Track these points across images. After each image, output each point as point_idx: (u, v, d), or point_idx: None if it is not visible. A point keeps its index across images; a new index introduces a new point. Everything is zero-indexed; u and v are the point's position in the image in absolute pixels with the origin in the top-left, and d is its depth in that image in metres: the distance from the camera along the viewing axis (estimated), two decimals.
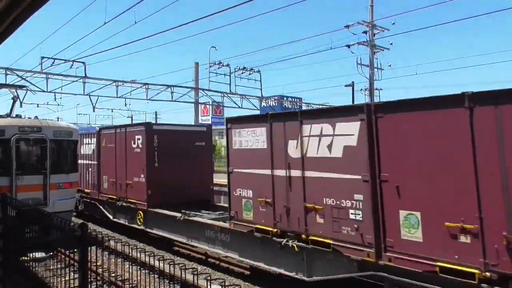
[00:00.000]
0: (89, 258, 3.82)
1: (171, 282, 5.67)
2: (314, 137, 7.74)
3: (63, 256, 4.91)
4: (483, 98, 5.60)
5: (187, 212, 11.31)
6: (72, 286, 4.34)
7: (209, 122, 30.82)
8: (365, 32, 23.95)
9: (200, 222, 10.77)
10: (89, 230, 3.75)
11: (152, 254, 5.01)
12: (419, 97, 6.34)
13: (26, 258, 5.45)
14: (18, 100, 15.02)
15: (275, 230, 8.41)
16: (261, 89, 27.60)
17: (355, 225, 6.99)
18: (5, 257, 5.96)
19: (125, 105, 28.67)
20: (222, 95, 27.07)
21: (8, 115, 13.27)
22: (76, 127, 16.98)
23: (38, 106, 34.75)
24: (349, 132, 7.11)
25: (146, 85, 23.94)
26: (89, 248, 3.83)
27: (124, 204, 13.72)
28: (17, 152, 11.57)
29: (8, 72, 18.67)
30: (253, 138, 8.94)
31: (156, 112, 52.17)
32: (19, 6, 5.03)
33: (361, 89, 28.36)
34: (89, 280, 4.20)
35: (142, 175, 12.72)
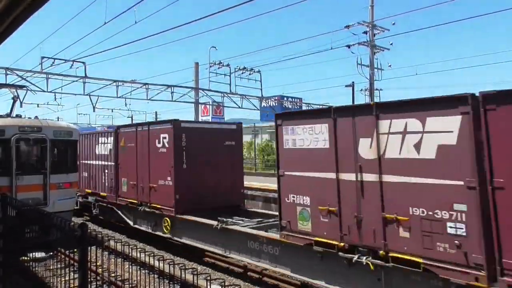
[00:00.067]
0: (89, 258, 3.82)
1: (171, 282, 5.67)
2: (395, 134, 6.51)
3: (63, 256, 4.91)
4: None
5: (224, 220, 10.12)
6: (72, 286, 4.34)
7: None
8: (365, 32, 23.94)
9: (242, 232, 9.48)
10: (89, 230, 3.75)
11: (152, 254, 5.01)
12: None
13: (26, 258, 5.45)
14: (18, 100, 15.03)
15: (341, 244, 7.12)
16: (261, 89, 27.59)
17: (456, 242, 5.78)
18: (5, 257, 5.96)
19: (125, 105, 28.68)
20: (222, 95, 27.06)
21: (8, 115, 13.27)
22: (76, 127, 17.00)
23: (38, 106, 34.82)
24: (446, 128, 5.93)
25: (146, 85, 23.93)
26: (89, 248, 3.83)
27: (147, 209, 12.53)
28: (17, 152, 11.58)
29: (8, 72, 18.66)
30: (311, 136, 7.72)
31: (156, 112, 52.12)
32: (19, 6, 5.03)
33: (361, 89, 28.34)
34: (89, 280, 4.20)
35: (169, 178, 11.52)
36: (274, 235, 8.87)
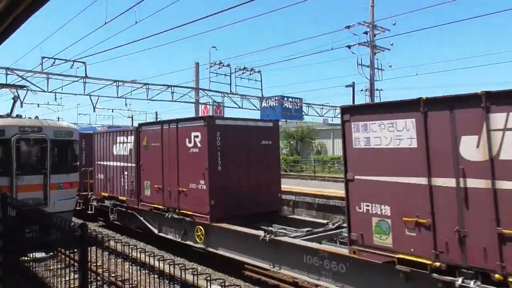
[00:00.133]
0: (89, 258, 3.81)
1: (171, 282, 5.67)
2: None
3: (63, 256, 4.91)
4: None
5: (272, 230, 9.06)
6: (72, 286, 4.34)
7: None
8: (365, 33, 24.00)
9: (297, 245, 8.24)
10: (89, 230, 3.75)
11: (152, 254, 5.00)
12: None
13: (26, 258, 5.46)
14: (18, 100, 15.06)
15: (437, 264, 5.94)
16: (261, 90, 27.65)
17: None
18: (5, 257, 5.95)
19: (126, 105, 28.85)
20: (223, 95, 27.11)
21: (9, 115, 13.29)
22: (77, 127, 16.99)
23: (38, 106, 34.91)
24: None
25: (147, 85, 23.96)
26: (89, 248, 3.83)
27: (175, 216, 11.28)
28: (18, 152, 11.60)
29: (8, 72, 18.68)
30: (391, 134, 6.48)
31: (156, 113, 52.18)
32: (20, 6, 5.03)
33: (362, 90, 28.42)
34: (89, 280, 4.20)
35: (203, 181, 10.33)
36: (340, 249, 7.74)
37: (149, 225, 12.70)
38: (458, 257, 5.79)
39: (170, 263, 5.10)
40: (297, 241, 8.42)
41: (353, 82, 26.73)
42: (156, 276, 5.74)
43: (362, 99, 27.86)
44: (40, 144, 12.03)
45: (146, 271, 6.00)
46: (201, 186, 10.40)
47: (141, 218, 13.01)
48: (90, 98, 22.70)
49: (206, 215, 10.19)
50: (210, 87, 26.31)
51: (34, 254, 5.29)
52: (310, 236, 8.95)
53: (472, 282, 5.56)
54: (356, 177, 6.98)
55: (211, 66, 25.95)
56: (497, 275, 5.40)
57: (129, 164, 13.49)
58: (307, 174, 32.84)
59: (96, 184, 15.60)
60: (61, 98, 29.95)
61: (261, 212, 10.99)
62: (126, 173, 13.68)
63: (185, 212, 10.88)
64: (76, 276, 3.63)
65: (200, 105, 28.62)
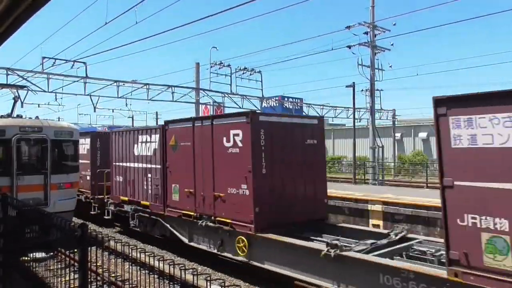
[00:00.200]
0: (89, 258, 3.82)
1: (171, 283, 5.68)
2: None
3: (63, 256, 4.91)
4: None
5: (336, 242, 7.74)
6: (72, 286, 4.34)
7: None
8: (366, 33, 23.99)
9: (370, 262, 6.96)
10: (89, 231, 3.75)
11: (152, 255, 5.01)
12: None
13: (26, 258, 5.46)
14: (19, 100, 15.07)
15: None
16: (261, 90, 27.70)
17: None
18: (5, 257, 5.96)
19: (126, 105, 28.89)
20: (223, 95, 27.13)
21: (9, 115, 13.30)
22: (77, 127, 17.01)
23: (39, 106, 35.03)
24: None
25: (147, 85, 23.99)
26: (89, 248, 3.83)
27: (210, 224, 10.11)
28: (18, 152, 11.62)
29: (9, 72, 18.72)
30: (509, 131, 5.24)
31: (157, 113, 52.24)
32: (20, 6, 5.03)
33: (362, 90, 28.42)
34: (89, 280, 4.20)
35: (245, 186, 9.19)
36: (433, 270, 6.46)
37: (177, 234, 11.45)
38: None
39: (170, 263, 5.11)
40: (372, 258, 7.12)
41: (353, 82, 26.68)
42: (156, 276, 5.75)
43: (362, 99, 27.87)
44: (40, 144, 12.05)
45: (146, 271, 6.00)
46: (243, 191, 9.25)
47: (168, 226, 11.76)
48: (91, 98, 22.74)
49: (250, 224, 9.04)
50: (210, 87, 26.37)
51: (34, 254, 5.30)
52: (382, 251, 7.58)
53: None
54: (456, 183, 5.75)
55: (211, 66, 26.01)
56: None
57: (153, 166, 12.35)
58: None
59: (113, 187, 14.56)
60: (61, 98, 30.07)
61: (306, 220, 9.85)
62: (149, 175, 12.55)
63: (223, 220, 9.74)
64: (76, 276, 3.63)
65: (200, 105, 28.65)
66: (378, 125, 28.74)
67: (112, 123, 51.26)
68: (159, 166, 12.08)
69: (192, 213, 10.71)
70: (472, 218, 5.59)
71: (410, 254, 7.88)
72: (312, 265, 7.85)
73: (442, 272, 6.02)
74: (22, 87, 16.50)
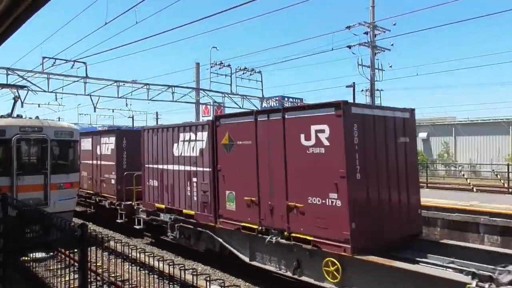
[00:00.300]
0: (89, 259, 3.82)
1: (171, 283, 5.68)
2: None
3: (63, 256, 4.91)
4: None
5: (485, 274, 5.96)
6: (72, 286, 4.34)
7: None
8: (366, 33, 23.98)
9: None
10: (89, 231, 3.75)
11: (152, 255, 5.01)
12: None
13: (26, 258, 5.47)
14: (19, 100, 15.06)
15: None
16: (262, 90, 27.68)
17: None
18: (5, 257, 5.96)
19: (126, 105, 28.82)
20: (223, 95, 27.12)
21: (9, 115, 13.30)
22: (77, 127, 17.00)
23: (39, 106, 34.97)
24: None
25: (147, 85, 23.96)
26: (89, 248, 3.83)
27: (282, 241, 8.35)
28: (18, 152, 11.63)
29: (9, 72, 18.69)
30: None
31: (157, 113, 52.24)
32: (20, 6, 5.03)
33: (362, 90, 28.43)
34: (89, 280, 4.20)
35: (334, 195, 7.41)
36: None
37: (233, 250, 9.81)
38: None
39: (170, 264, 5.11)
40: None
41: (354, 83, 26.75)
42: (156, 276, 5.75)
43: (362, 99, 27.86)
44: (40, 144, 12.06)
45: (146, 271, 6.01)
46: (332, 202, 7.46)
47: (219, 240, 10.17)
48: (91, 98, 22.70)
49: (344, 243, 7.22)
50: (210, 87, 26.34)
51: (34, 254, 5.30)
52: None
53: None
54: None
55: (211, 67, 25.99)
56: None
57: (200, 169, 10.68)
58: None
59: (146, 192, 12.83)
60: (61, 98, 30.05)
61: (400, 236, 8.16)
62: (194, 179, 10.86)
63: (301, 236, 7.98)
64: (76, 276, 3.63)
65: (200, 105, 28.66)
66: None
67: (112, 123, 51.28)
68: (207, 169, 10.42)
69: (255, 226, 8.95)
70: None
71: None
72: None
73: None
74: (22, 87, 16.49)
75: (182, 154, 11.32)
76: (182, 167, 11.31)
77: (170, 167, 11.79)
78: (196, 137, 10.89)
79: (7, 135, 11.41)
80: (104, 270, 6.86)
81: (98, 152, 16.26)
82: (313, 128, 7.81)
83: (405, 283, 6.47)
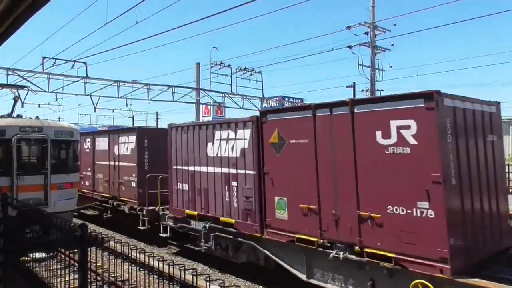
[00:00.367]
0: (89, 259, 3.82)
1: (171, 283, 5.69)
2: None
3: (63, 257, 4.91)
4: None
5: None
6: (72, 286, 4.34)
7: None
8: (366, 33, 23.97)
9: None
10: (89, 231, 3.75)
11: (152, 255, 5.01)
12: None
13: (26, 258, 5.47)
14: (19, 100, 15.05)
15: None
16: (262, 90, 27.68)
17: None
18: (6, 257, 5.96)
19: (126, 105, 28.82)
20: (223, 95, 27.11)
21: (9, 115, 13.30)
22: (77, 127, 16.98)
23: (39, 106, 34.94)
24: None
25: (147, 86, 23.96)
26: (89, 248, 3.84)
27: (351, 256, 7.25)
28: (18, 152, 11.63)
29: (9, 72, 18.69)
30: None
31: (157, 113, 52.23)
32: (20, 6, 5.04)
33: (362, 90, 28.39)
34: (89, 280, 4.20)
35: (425, 203, 6.30)
36: None
37: (284, 264, 8.69)
38: None
39: (170, 264, 5.11)
40: None
41: (354, 83, 26.71)
42: (155, 276, 5.75)
43: None
44: (40, 144, 12.06)
45: (146, 271, 6.01)
46: (422, 212, 6.34)
47: (266, 252, 9.07)
48: (91, 98, 22.69)
49: (440, 262, 6.09)
50: (211, 87, 26.33)
51: (34, 254, 5.30)
52: None
53: None
54: None
55: (212, 67, 25.98)
56: None
57: (241, 171, 9.62)
58: None
59: (174, 197, 11.73)
60: (61, 98, 30.04)
61: (492, 252, 7.08)
62: (234, 183, 9.80)
63: (379, 252, 6.83)
64: (76, 276, 3.63)
65: (200, 105, 28.67)
66: None
67: (113, 123, 51.25)
68: (251, 172, 9.34)
69: (314, 239, 7.85)
70: None
71: None
72: None
73: None
74: (22, 87, 16.49)
75: (219, 155, 10.22)
76: (218, 169, 10.22)
77: (203, 169, 10.71)
78: (236, 136, 9.75)
79: (7, 135, 11.42)
80: (104, 270, 6.86)
81: (116, 152, 15.04)
82: (394, 123, 6.65)
83: None
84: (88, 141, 17.23)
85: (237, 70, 26.50)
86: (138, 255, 5.30)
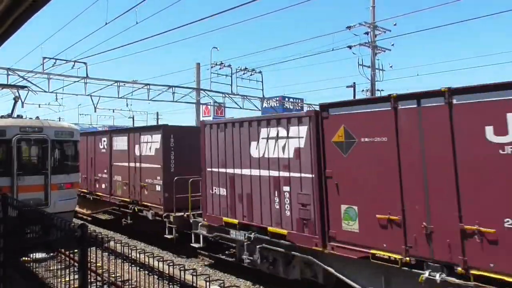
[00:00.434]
0: (89, 259, 3.82)
1: (171, 283, 5.68)
2: None
3: (63, 257, 4.92)
4: None
5: None
6: (72, 286, 4.34)
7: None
8: (366, 33, 23.99)
9: None
10: (89, 231, 3.76)
11: (152, 255, 5.01)
12: None
13: (26, 258, 5.47)
14: (19, 100, 15.07)
15: None
16: (262, 90, 27.69)
17: None
18: (6, 257, 5.97)
19: (127, 105, 28.87)
20: (224, 95, 27.13)
21: (10, 116, 13.32)
22: (78, 127, 16.98)
23: (39, 107, 35.04)
24: None
25: (148, 86, 23.98)
26: (89, 248, 3.84)
27: (451, 279, 6.07)
28: (18, 152, 11.65)
29: (9, 73, 18.71)
30: None
31: (157, 113, 52.26)
32: (20, 7, 5.05)
33: (363, 90, 28.40)
34: (89, 280, 4.20)
35: None
36: None
37: (354, 284, 7.37)
38: None
39: (170, 264, 5.11)
40: None
41: (354, 83, 26.72)
42: (156, 276, 5.75)
43: None
44: (41, 145, 12.07)
45: (146, 271, 6.01)
46: None
47: (329, 269, 7.83)
48: (91, 98, 22.73)
49: None
50: (211, 87, 26.36)
51: (34, 254, 5.31)
52: None
53: None
54: None
55: (212, 67, 26.00)
56: None
57: (296, 174, 8.42)
58: None
59: (209, 203, 10.56)
60: (62, 99, 30.14)
61: None
62: (286, 188, 8.62)
63: (489, 275, 5.68)
64: (76, 276, 3.64)
65: (201, 106, 28.68)
66: None
67: (113, 123, 51.28)
68: (308, 175, 8.16)
69: (396, 256, 6.64)
70: None
71: None
72: None
73: None
74: (22, 87, 16.50)
75: (266, 156, 9.00)
76: (265, 172, 9.02)
77: (246, 171, 9.50)
78: (288, 133, 8.54)
79: (7, 136, 11.43)
80: (104, 270, 6.86)
81: (137, 153, 13.72)
82: (511, 116, 5.54)
83: None
84: (105, 141, 15.86)
85: (237, 70, 26.53)
86: (138, 255, 5.30)
